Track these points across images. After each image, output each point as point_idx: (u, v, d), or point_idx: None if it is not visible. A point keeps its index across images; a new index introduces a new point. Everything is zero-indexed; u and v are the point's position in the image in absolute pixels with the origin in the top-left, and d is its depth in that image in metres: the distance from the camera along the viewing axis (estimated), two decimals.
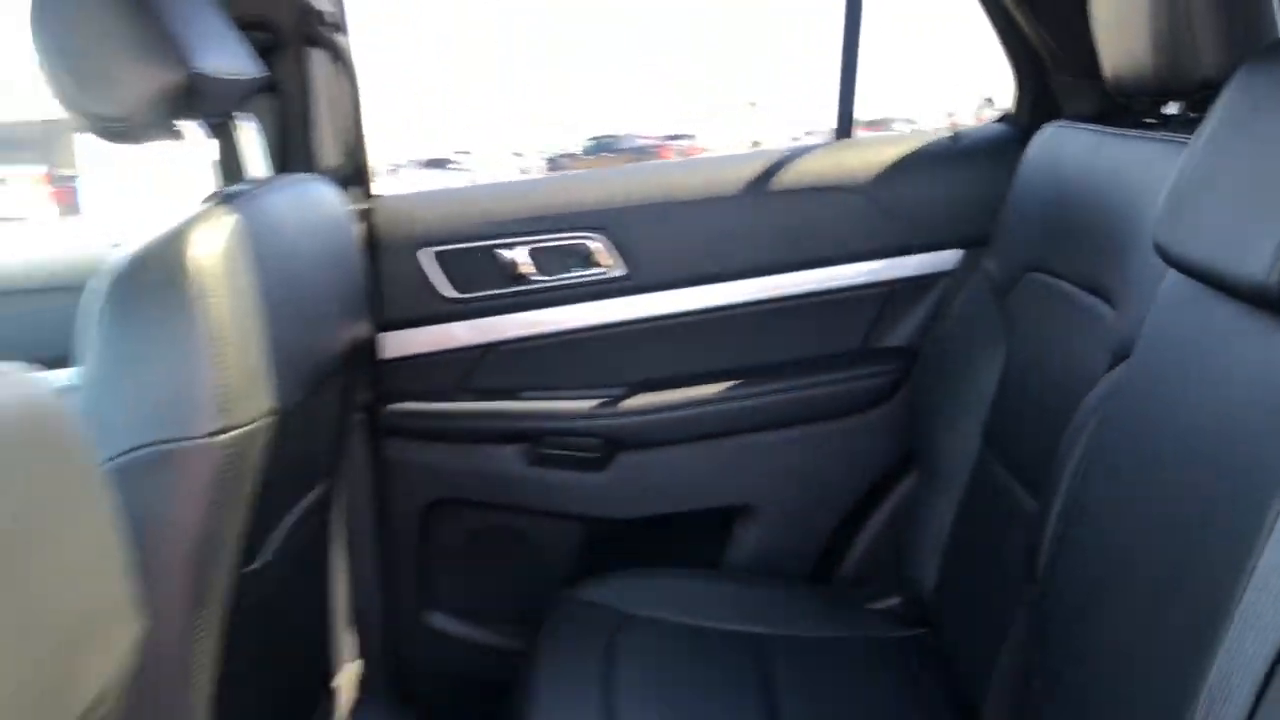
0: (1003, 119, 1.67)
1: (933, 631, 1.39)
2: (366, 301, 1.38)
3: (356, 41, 1.57)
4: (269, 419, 0.99)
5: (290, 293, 1.08)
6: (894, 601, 1.51)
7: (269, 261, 1.03)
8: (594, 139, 21.69)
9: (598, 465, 1.60)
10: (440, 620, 1.65)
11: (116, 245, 1.38)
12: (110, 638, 0.60)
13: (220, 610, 1.02)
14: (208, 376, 0.93)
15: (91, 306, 0.94)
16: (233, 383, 0.94)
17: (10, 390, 0.53)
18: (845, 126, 1.65)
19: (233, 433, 0.95)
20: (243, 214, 1.02)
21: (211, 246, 0.95)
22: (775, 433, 1.61)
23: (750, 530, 1.63)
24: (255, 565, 1.11)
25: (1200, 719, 0.66)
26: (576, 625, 1.37)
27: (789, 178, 1.59)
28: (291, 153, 1.48)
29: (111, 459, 0.91)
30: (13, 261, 1.66)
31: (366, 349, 1.49)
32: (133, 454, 0.91)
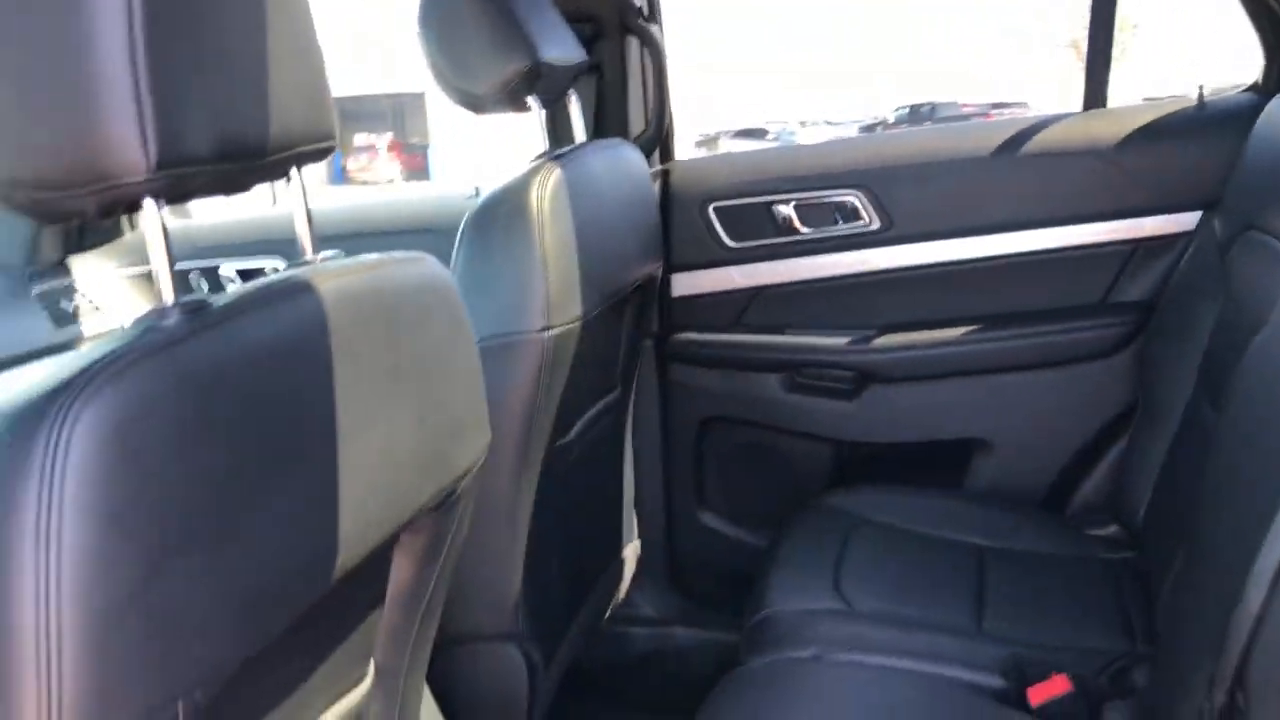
0: (1250, 89, 1.75)
1: (1141, 556, 1.54)
2: (659, 245, 1.69)
3: (670, 25, 1.88)
4: (577, 323, 1.32)
5: (598, 231, 1.40)
6: (1111, 529, 1.66)
7: (583, 207, 1.36)
8: (909, 107, 21.29)
9: (849, 395, 1.84)
10: (709, 518, 1.96)
11: (472, 195, 1.78)
12: (471, 436, 0.93)
13: (536, 472, 1.36)
14: (538, 288, 1.27)
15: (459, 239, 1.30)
16: (554, 293, 1.28)
17: (429, 266, 0.86)
18: (1095, 97, 1.78)
19: (553, 331, 1.28)
20: (566, 170, 1.35)
21: (543, 192, 1.29)
22: (1014, 375, 1.79)
23: (985, 462, 1.82)
24: (564, 440, 1.46)
25: None
26: (817, 525, 1.63)
27: (1038, 143, 1.75)
28: (608, 122, 1.82)
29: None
30: (397, 210, 2.11)
31: (657, 285, 1.80)
32: (484, 343, 1.27)
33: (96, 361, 0.55)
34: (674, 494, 1.95)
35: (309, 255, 0.81)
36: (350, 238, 1.97)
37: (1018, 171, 1.76)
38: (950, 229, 1.79)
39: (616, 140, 1.63)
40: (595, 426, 1.60)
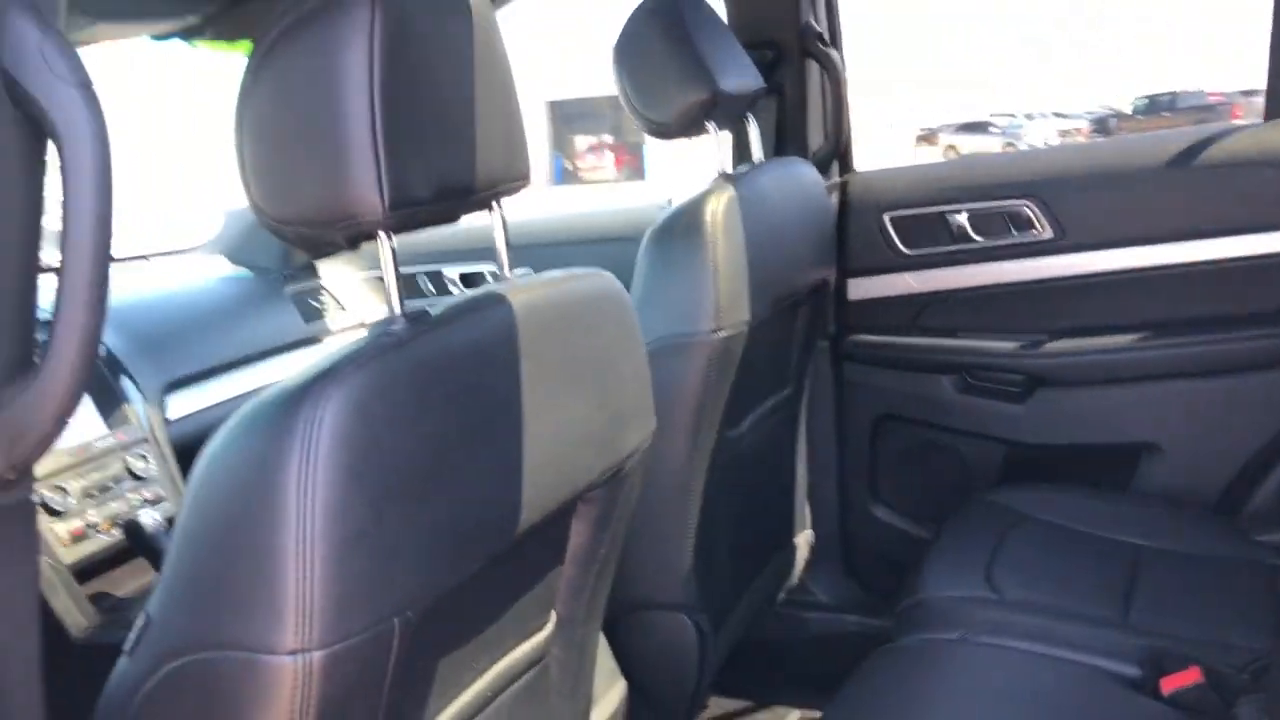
0: None
1: None
2: (834, 252, 1.82)
3: (849, 47, 2.01)
4: (745, 327, 1.47)
5: (768, 243, 1.55)
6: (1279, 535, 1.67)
7: (754, 221, 1.51)
8: (1146, 98, 20.11)
9: (1019, 398, 1.91)
10: (882, 512, 2.07)
11: (664, 206, 1.97)
12: (637, 423, 1.10)
13: (707, 459, 1.52)
14: (709, 295, 1.43)
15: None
16: (724, 300, 1.43)
17: (602, 281, 1.04)
18: (1277, 108, 1.78)
19: (722, 333, 1.44)
20: (738, 188, 1.50)
21: (716, 209, 1.45)
22: (1186, 381, 1.81)
23: (1155, 466, 1.85)
24: (735, 431, 1.61)
25: None
26: (979, 518, 1.72)
27: (1213, 154, 1.77)
28: (788, 140, 1.96)
29: (648, 344, 1.45)
30: (595, 220, 2.32)
31: (833, 289, 1.93)
32: (660, 342, 1.44)
33: (345, 358, 0.76)
34: (847, 487, 2.07)
35: (505, 273, 1.00)
36: (554, 245, 2.19)
37: (1192, 182, 1.79)
38: (1122, 238, 1.83)
39: (791, 158, 1.77)
40: (768, 421, 1.74)
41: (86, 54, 0.60)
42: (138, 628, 0.78)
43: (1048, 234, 1.88)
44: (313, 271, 2.26)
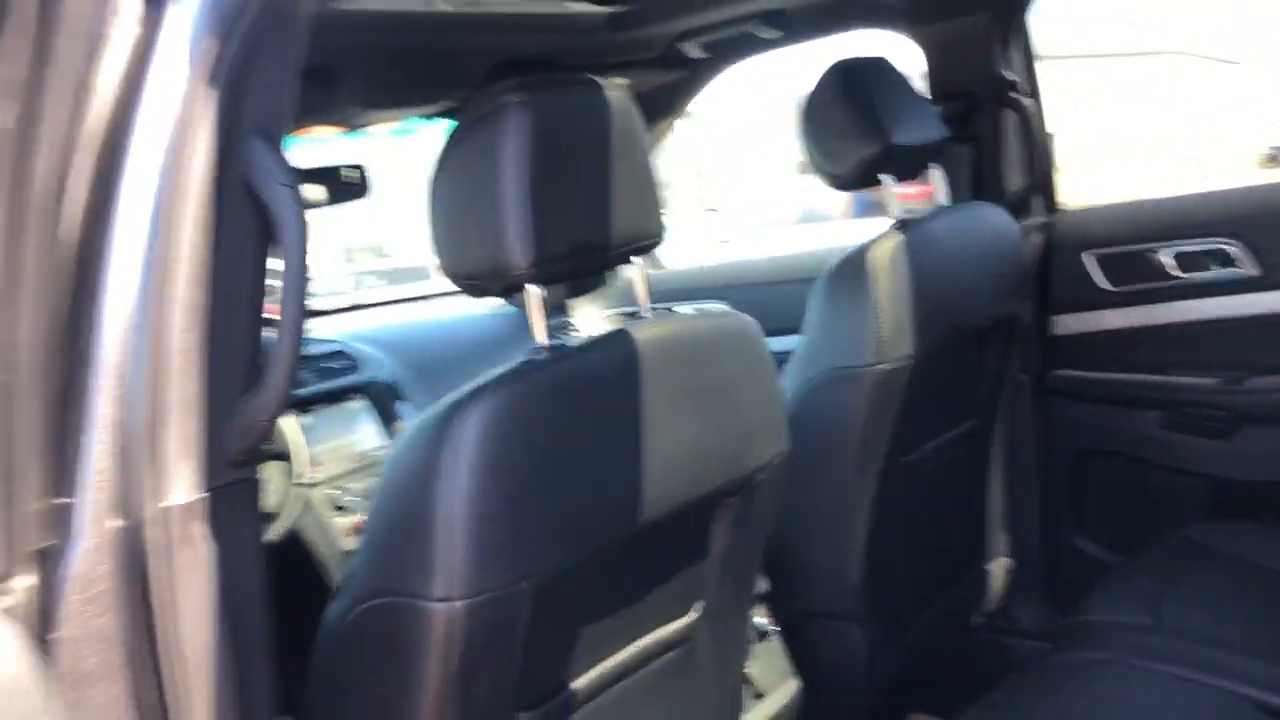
0: None
1: None
2: (1023, 288, 1.90)
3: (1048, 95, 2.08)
4: (909, 360, 1.61)
5: (940, 281, 1.67)
6: None
7: (926, 261, 1.64)
8: None
9: (1224, 434, 1.90)
10: (1084, 544, 2.10)
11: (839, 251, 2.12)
12: (763, 442, 1.27)
13: (875, 481, 1.66)
14: (870, 331, 1.58)
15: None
16: (885, 334, 1.58)
17: (730, 320, 1.24)
18: None
19: (883, 366, 1.58)
20: (912, 231, 1.64)
21: (879, 254, 1.60)
22: None
23: None
24: (911, 458, 1.74)
25: None
26: (1165, 550, 1.75)
27: None
28: (986, 185, 2.06)
29: (810, 377, 1.62)
30: (788, 263, 2.50)
31: (1024, 325, 1.99)
32: (825, 373, 1.60)
33: (491, 381, 1.00)
34: (1050, 518, 2.12)
35: (644, 312, 1.22)
36: (757, 285, 2.41)
37: None
38: None
39: (978, 202, 1.88)
40: (950, 450, 1.85)
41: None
42: (343, 580, 1.05)
43: (1255, 272, 1.87)
44: (564, 309, 2.58)
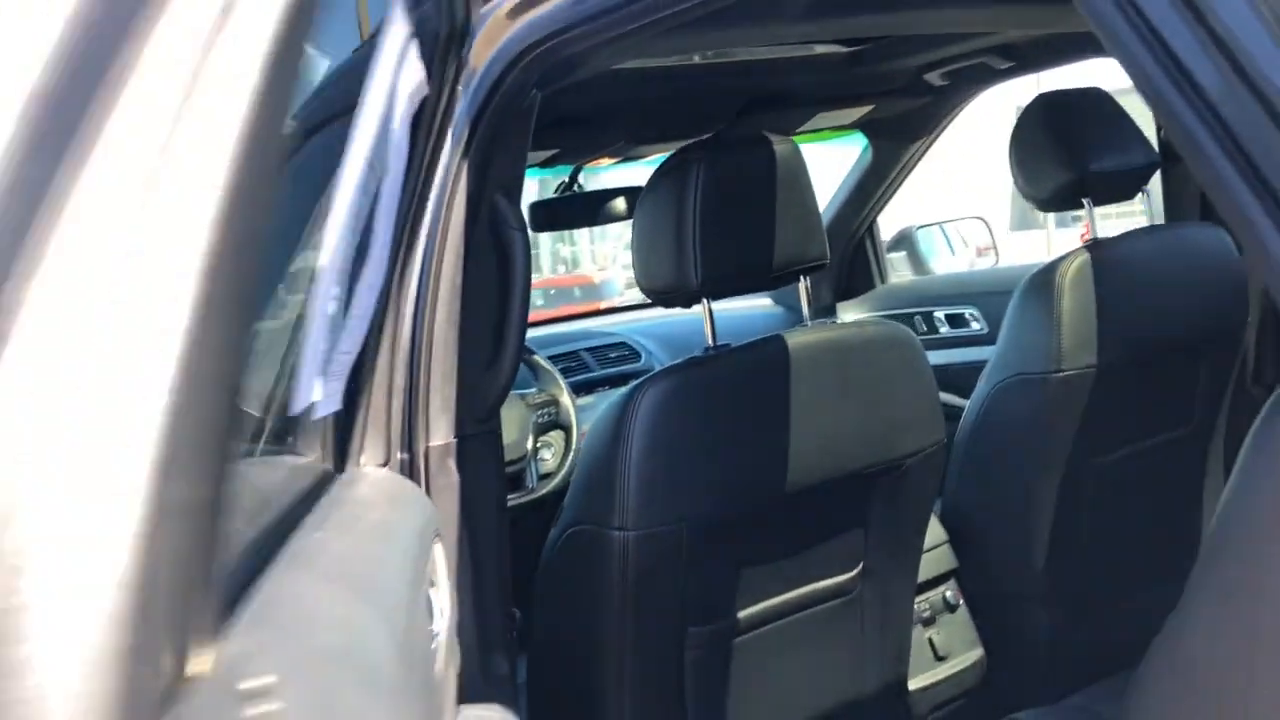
0: None
1: None
2: (1230, 306, 1.97)
3: None
4: (1091, 369, 1.76)
5: (1129, 298, 1.80)
6: None
7: (1109, 280, 1.78)
8: None
9: None
10: None
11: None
12: (917, 431, 1.50)
13: (1059, 477, 1.81)
14: (1051, 340, 1.75)
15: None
16: (1065, 344, 1.75)
17: (886, 327, 1.50)
18: None
19: (1062, 373, 1.76)
20: (1096, 252, 1.80)
21: (1065, 270, 1.76)
22: None
23: None
24: (1105, 459, 1.88)
25: None
26: None
27: None
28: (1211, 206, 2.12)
29: (998, 381, 1.82)
30: (1005, 275, 2.62)
31: (1251, 341, 2.04)
32: (1011, 378, 1.80)
33: (662, 370, 1.34)
34: None
35: (806, 319, 1.51)
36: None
37: None
38: None
39: (1185, 223, 1.98)
40: (1151, 456, 1.96)
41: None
42: (559, 513, 1.43)
43: None
44: (833, 310, 2.86)
